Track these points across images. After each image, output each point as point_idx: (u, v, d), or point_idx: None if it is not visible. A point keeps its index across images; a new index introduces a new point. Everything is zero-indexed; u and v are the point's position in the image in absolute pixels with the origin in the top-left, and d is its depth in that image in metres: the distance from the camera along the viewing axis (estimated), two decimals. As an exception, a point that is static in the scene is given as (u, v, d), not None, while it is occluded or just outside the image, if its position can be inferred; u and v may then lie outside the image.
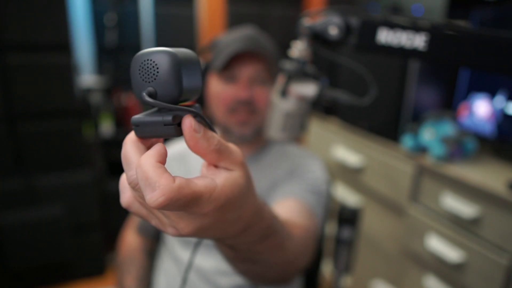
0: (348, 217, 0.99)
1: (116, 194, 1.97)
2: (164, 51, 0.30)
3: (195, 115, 0.31)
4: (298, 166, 0.91)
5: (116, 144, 2.17)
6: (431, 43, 0.59)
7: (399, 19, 0.62)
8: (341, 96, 0.68)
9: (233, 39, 0.86)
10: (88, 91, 1.88)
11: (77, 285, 2.00)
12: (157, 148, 0.29)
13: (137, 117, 0.31)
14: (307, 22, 0.65)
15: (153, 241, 1.05)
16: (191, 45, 2.31)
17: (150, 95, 0.30)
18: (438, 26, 0.60)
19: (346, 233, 1.00)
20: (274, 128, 0.72)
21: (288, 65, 0.69)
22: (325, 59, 1.78)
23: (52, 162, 1.82)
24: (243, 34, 0.87)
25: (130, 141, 0.31)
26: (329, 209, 1.00)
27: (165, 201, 0.27)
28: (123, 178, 0.32)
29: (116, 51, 1.98)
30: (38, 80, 1.70)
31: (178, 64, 0.30)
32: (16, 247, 1.75)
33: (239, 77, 0.86)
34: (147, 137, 0.31)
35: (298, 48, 0.68)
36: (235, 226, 0.35)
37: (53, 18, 1.65)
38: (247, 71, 0.85)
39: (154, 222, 0.33)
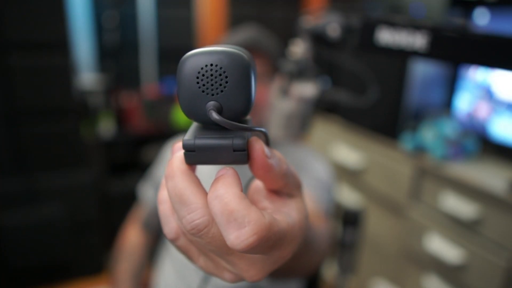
0: (351, 219, 0.98)
1: (116, 194, 1.98)
2: (233, 54, 0.23)
3: (263, 136, 0.25)
4: (302, 166, 0.91)
5: (116, 144, 2.17)
6: (431, 42, 0.59)
7: (399, 18, 0.62)
8: (342, 96, 0.68)
9: (232, 38, 0.87)
10: (88, 91, 1.88)
11: (76, 286, 2.00)
12: (232, 174, 0.23)
13: (190, 139, 0.23)
14: (307, 22, 0.65)
15: (156, 237, 1.06)
16: (191, 45, 2.31)
17: (218, 111, 0.23)
18: (439, 25, 0.60)
19: (349, 235, 1.00)
20: (275, 128, 0.72)
21: (288, 66, 0.68)
22: (325, 59, 1.78)
23: (52, 162, 1.82)
24: (243, 33, 0.87)
25: (181, 172, 0.23)
26: (334, 210, 0.99)
27: (256, 241, 0.22)
28: (166, 208, 0.26)
29: (117, 50, 1.98)
30: (37, 80, 1.70)
31: (249, 71, 0.23)
32: (16, 247, 1.75)
33: None
34: (203, 164, 0.24)
35: (299, 49, 0.68)
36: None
37: (51, 17, 1.65)
38: None
39: (202, 263, 0.26)
